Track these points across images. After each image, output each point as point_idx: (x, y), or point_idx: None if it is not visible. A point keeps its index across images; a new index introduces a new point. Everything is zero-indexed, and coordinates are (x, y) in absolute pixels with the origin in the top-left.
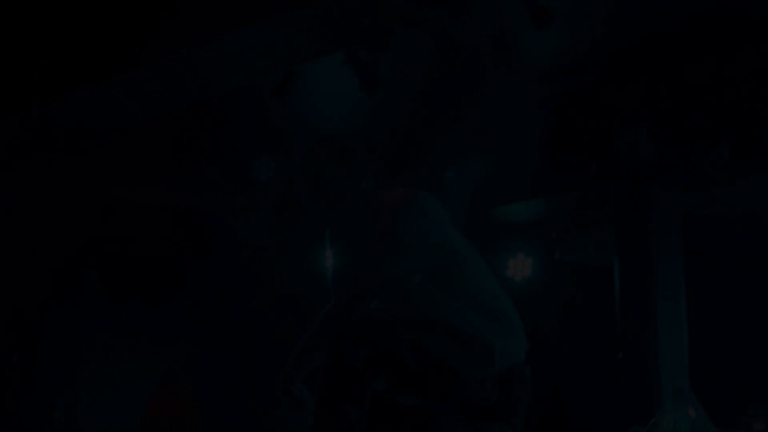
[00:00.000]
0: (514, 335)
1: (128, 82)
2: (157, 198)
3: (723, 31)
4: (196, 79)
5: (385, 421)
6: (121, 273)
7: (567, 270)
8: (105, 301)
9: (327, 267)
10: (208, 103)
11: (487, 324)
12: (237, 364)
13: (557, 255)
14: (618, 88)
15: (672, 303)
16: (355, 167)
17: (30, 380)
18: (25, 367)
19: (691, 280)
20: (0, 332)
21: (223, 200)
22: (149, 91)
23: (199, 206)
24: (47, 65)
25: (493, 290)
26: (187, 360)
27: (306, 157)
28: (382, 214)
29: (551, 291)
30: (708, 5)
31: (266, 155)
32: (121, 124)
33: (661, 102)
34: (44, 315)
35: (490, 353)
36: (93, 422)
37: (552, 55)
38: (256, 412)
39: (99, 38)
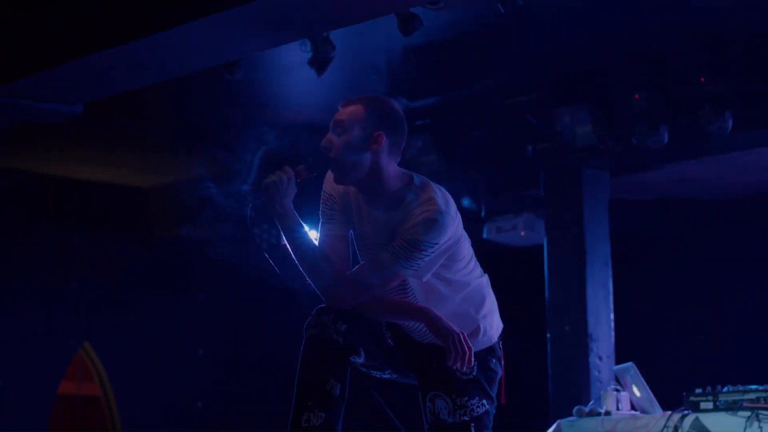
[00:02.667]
0: (494, 314)
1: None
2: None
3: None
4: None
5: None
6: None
7: (493, 250)
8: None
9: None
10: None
11: (472, 307)
12: (152, 343)
13: (485, 234)
14: (559, 69)
15: (600, 284)
16: (400, 139)
17: None
18: None
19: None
20: None
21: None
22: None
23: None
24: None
25: (477, 271)
26: (101, 337)
27: (354, 112)
28: (421, 216)
29: None
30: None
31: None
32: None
33: (602, 84)
34: None
35: (472, 336)
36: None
37: None
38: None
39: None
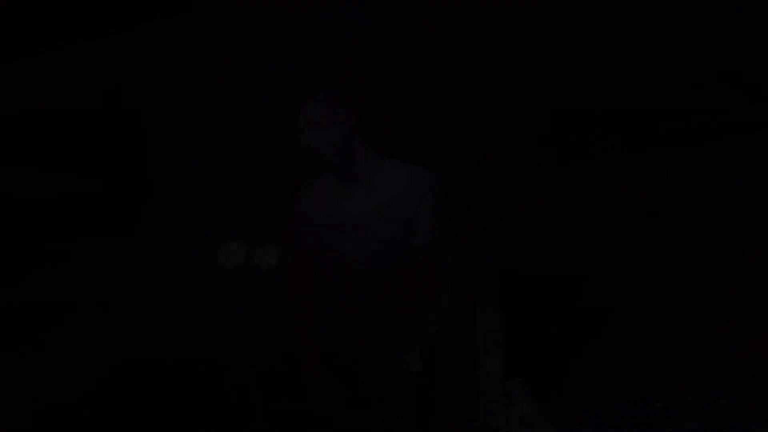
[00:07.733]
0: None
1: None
2: None
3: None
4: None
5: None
6: None
7: None
8: None
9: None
10: None
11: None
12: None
13: None
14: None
15: (491, 312)
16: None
17: None
18: None
19: None
20: None
21: None
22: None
23: None
24: None
25: None
26: None
27: (327, 101)
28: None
29: None
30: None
31: None
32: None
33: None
34: None
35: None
36: None
37: None
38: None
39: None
